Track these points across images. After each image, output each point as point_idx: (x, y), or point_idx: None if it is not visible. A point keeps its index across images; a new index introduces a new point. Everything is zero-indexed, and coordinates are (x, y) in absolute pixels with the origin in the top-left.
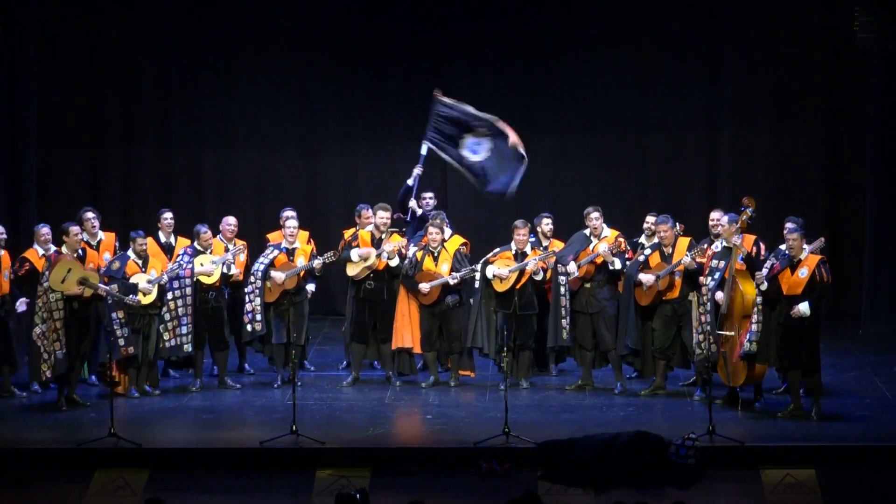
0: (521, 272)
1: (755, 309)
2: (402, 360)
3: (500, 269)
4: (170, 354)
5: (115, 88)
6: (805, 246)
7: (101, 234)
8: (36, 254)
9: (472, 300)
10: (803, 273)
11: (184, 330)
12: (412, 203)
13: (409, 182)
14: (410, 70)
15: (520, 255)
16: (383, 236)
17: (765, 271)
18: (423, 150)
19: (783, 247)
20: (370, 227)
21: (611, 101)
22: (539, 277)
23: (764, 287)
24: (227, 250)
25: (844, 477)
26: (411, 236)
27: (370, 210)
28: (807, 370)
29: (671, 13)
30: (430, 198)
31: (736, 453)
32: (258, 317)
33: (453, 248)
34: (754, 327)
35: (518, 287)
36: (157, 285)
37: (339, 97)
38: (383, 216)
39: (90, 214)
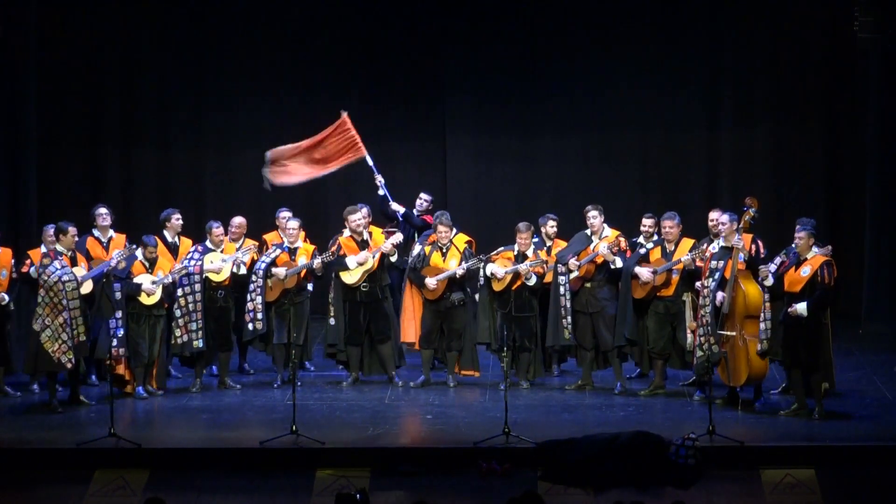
0: (517, 274)
1: (764, 306)
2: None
3: (498, 268)
4: (181, 351)
5: (115, 88)
6: (814, 247)
7: (112, 233)
8: (38, 253)
9: (476, 296)
10: (805, 272)
11: (194, 326)
12: (394, 206)
13: (380, 192)
14: (410, 71)
15: (520, 257)
16: (365, 238)
17: (772, 267)
18: (370, 161)
19: (794, 245)
20: (348, 233)
21: (611, 101)
22: (531, 283)
23: (769, 283)
24: (238, 249)
25: (844, 477)
26: (406, 234)
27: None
28: (807, 369)
29: (671, 13)
30: (427, 200)
31: (736, 453)
32: (259, 315)
33: (461, 244)
34: (762, 325)
35: (514, 288)
36: (161, 286)
37: (339, 99)
38: (355, 219)
39: (103, 210)
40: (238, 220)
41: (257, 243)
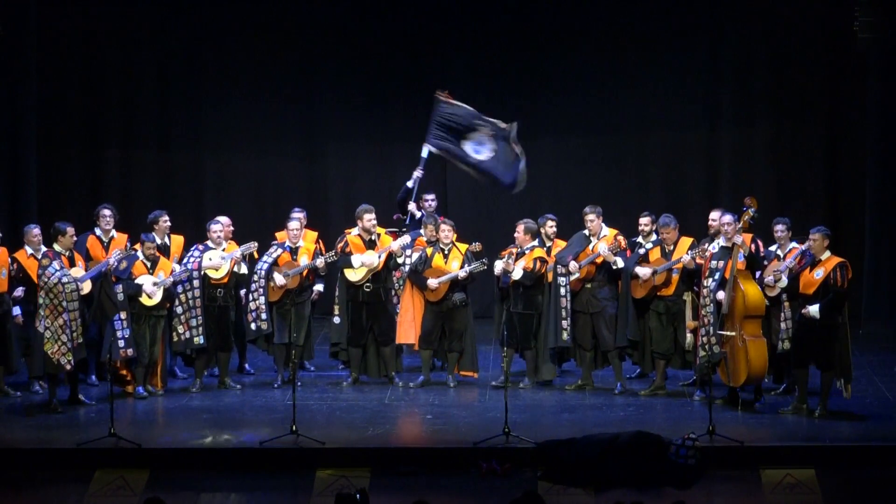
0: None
1: (782, 306)
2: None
3: (498, 264)
4: (183, 348)
5: (115, 88)
6: (794, 241)
7: (113, 233)
8: (24, 254)
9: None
10: (818, 274)
11: (194, 322)
12: (411, 205)
13: (409, 184)
14: (411, 71)
15: (521, 253)
16: (373, 238)
17: (783, 266)
18: (424, 153)
19: (773, 248)
20: (357, 231)
21: (611, 101)
22: (517, 277)
23: (783, 284)
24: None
25: (844, 477)
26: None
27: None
28: (822, 368)
29: (671, 13)
30: (432, 199)
31: (736, 453)
32: (263, 315)
33: (464, 246)
34: (783, 325)
35: (511, 284)
36: (162, 288)
37: (340, 99)
38: (370, 218)
39: (106, 212)
40: (224, 219)
41: (256, 244)
